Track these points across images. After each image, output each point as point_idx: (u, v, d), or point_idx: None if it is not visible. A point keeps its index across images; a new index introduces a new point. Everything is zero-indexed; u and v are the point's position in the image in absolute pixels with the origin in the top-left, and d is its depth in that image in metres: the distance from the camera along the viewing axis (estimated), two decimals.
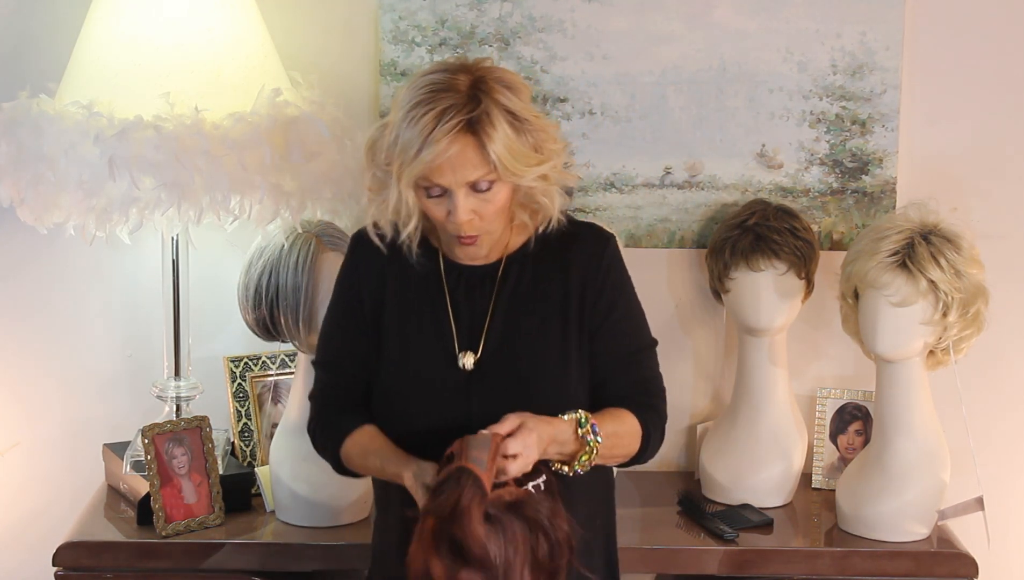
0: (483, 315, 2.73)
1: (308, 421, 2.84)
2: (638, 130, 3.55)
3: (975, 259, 3.19)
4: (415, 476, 2.57)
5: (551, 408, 2.63)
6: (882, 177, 3.56)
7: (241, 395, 3.48)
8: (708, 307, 3.62)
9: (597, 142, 3.55)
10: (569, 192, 2.78)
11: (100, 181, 3.08)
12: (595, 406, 2.72)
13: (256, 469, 3.39)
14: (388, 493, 2.74)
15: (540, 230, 2.74)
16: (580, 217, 3.50)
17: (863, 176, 3.57)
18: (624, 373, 2.75)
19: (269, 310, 3.23)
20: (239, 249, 3.40)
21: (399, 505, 2.64)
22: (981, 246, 3.24)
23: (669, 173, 3.57)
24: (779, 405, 3.46)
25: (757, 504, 3.41)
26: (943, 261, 3.14)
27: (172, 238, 3.33)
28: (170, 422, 3.27)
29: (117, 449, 3.46)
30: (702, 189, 3.57)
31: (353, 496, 3.27)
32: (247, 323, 3.30)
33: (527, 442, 2.53)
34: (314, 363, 2.85)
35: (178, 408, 3.40)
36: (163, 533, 3.21)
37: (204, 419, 3.29)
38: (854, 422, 3.55)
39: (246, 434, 3.48)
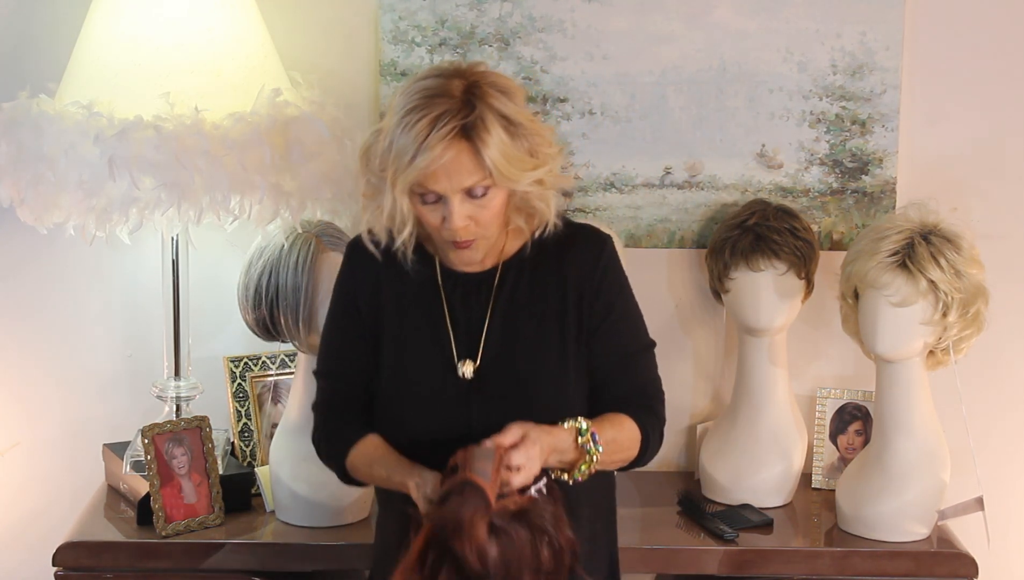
0: (481, 322, 2.72)
1: (312, 432, 2.83)
2: (638, 130, 3.55)
3: (975, 259, 3.19)
4: (416, 487, 2.56)
5: (551, 415, 2.63)
6: (882, 177, 3.56)
7: (241, 395, 3.48)
8: (708, 307, 3.62)
9: (597, 142, 3.55)
10: (568, 193, 2.78)
11: (100, 181, 3.08)
12: (593, 408, 2.71)
13: (256, 469, 3.39)
14: (390, 490, 2.74)
15: (536, 235, 2.73)
16: (580, 217, 3.51)
17: (863, 176, 3.57)
18: (622, 375, 2.74)
19: (269, 310, 3.23)
20: (239, 249, 3.40)
21: (400, 501, 2.64)
22: (981, 246, 3.24)
23: (669, 173, 3.57)
24: (779, 405, 3.46)
25: (757, 504, 3.41)
26: (943, 261, 3.14)
27: (172, 238, 3.33)
28: (170, 422, 3.27)
29: (117, 449, 3.46)
30: (702, 189, 3.57)
31: (353, 496, 3.26)
32: (247, 323, 3.30)
33: (530, 454, 2.52)
34: (315, 373, 2.84)
35: (178, 408, 3.40)
36: (163, 533, 3.21)
37: (204, 419, 3.29)
38: (854, 422, 3.55)
39: (246, 434, 3.48)
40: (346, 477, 2.78)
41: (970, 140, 3.57)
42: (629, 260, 3.41)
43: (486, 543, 2.40)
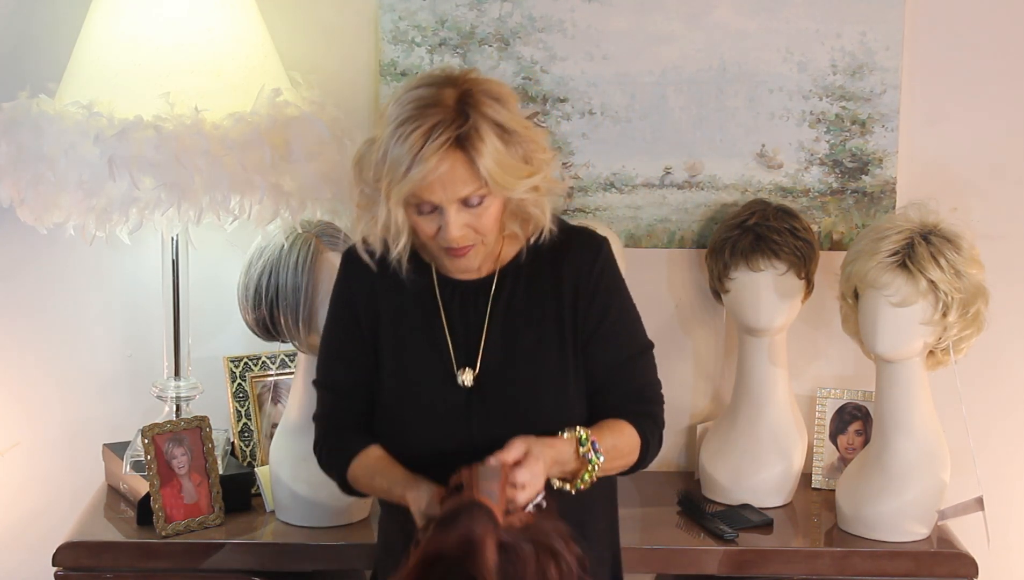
0: (479, 330, 2.71)
1: (314, 443, 2.82)
2: (638, 130, 3.55)
3: (975, 259, 3.19)
4: (413, 501, 2.55)
5: (552, 423, 2.63)
6: (882, 177, 3.56)
7: (241, 395, 3.48)
8: (708, 307, 3.62)
9: (597, 142, 3.55)
10: (568, 194, 2.77)
11: (100, 181, 3.08)
12: (592, 412, 2.71)
13: (256, 469, 3.39)
14: None
15: (532, 241, 2.71)
16: (580, 217, 3.51)
17: (863, 176, 3.56)
18: (620, 379, 2.73)
19: (269, 310, 3.23)
20: (239, 249, 3.40)
21: (403, 509, 2.63)
22: (981, 246, 3.24)
23: (669, 173, 3.57)
24: (779, 405, 3.46)
25: (757, 504, 3.41)
26: (943, 261, 3.14)
27: (172, 238, 3.33)
28: (170, 422, 3.27)
29: (117, 449, 3.45)
30: (702, 189, 3.57)
31: (353, 496, 3.26)
32: (247, 323, 3.30)
33: (534, 471, 2.51)
34: (315, 383, 2.83)
35: (178, 408, 3.40)
36: (163, 533, 3.21)
37: (204, 419, 3.29)
38: (854, 422, 3.55)
39: (246, 434, 3.48)
40: (348, 488, 2.77)
41: (970, 140, 3.57)
42: (629, 260, 3.42)
43: (497, 563, 2.38)
